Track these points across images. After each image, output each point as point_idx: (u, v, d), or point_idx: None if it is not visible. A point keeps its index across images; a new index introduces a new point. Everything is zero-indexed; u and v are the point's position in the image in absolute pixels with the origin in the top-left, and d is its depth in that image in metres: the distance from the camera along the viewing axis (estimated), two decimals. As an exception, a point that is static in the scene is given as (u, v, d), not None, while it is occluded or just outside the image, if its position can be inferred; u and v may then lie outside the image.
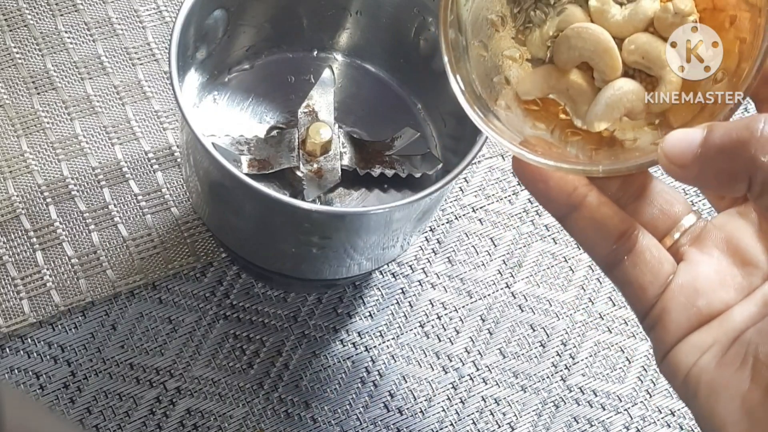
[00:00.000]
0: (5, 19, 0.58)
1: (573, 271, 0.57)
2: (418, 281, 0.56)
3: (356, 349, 0.53)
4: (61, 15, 0.59)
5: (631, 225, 0.32)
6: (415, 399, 0.53)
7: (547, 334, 0.55)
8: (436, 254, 0.56)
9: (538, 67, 0.35)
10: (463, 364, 0.54)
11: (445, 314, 0.55)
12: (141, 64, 0.58)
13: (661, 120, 0.33)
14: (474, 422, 0.53)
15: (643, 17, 0.32)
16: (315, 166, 0.50)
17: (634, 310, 0.33)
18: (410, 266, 0.56)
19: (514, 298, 0.56)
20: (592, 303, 0.57)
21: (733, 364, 0.30)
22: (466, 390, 0.53)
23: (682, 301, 0.32)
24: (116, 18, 0.59)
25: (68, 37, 0.58)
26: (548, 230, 0.58)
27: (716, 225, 0.33)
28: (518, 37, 0.36)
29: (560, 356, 0.55)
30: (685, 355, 0.31)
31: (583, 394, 0.54)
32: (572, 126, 0.35)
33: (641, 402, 0.54)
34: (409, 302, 0.55)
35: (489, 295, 0.56)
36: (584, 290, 0.57)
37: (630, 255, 0.32)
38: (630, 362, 0.55)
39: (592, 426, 0.53)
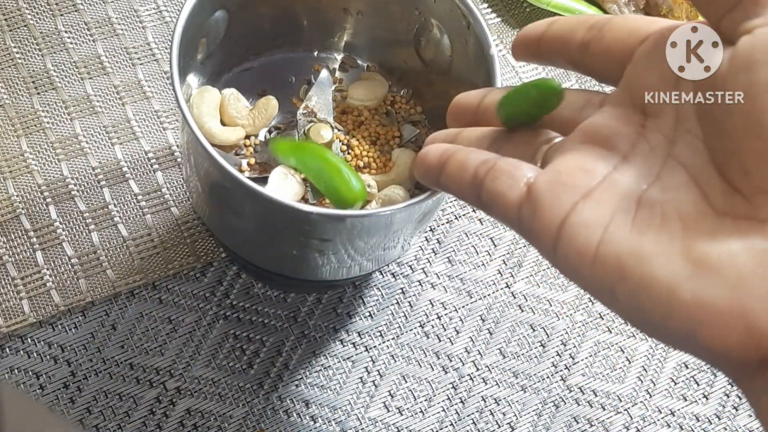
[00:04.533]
0: (5, 19, 0.58)
1: (573, 272, 0.57)
2: (418, 281, 0.56)
3: (356, 349, 0.53)
4: (61, 15, 0.59)
5: (492, 156, 0.33)
6: (415, 399, 0.53)
7: (547, 334, 0.55)
8: (436, 254, 0.56)
9: None
10: (463, 364, 0.54)
11: (445, 314, 0.55)
12: (141, 64, 0.58)
13: None
14: (474, 422, 0.53)
15: None
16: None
17: (506, 221, 0.32)
18: (410, 266, 0.56)
19: (514, 298, 0.56)
20: (592, 303, 0.57)
21: (652, 227, 0.28)
22: (466, 390, 0.53)
23: (547, 185, 0.30)
24: (116, 18, 0.59)
25: (68, 37, 0.58)
26: (548, 230, 0.58)
27: (578, 129, 0.33)
28: None
29: (560, 356, 0.55)
30: (583, 235, 0.29)
31: (583, 394, 0.54)
32: None
33: (641, 402, 0.54)
34: (409, 302, 0.55)
35: (489, 295, 0.56)
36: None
37: (489, 173, 0.32)
38: (630, 362, 0.55)
39: (592, 426, 0.53)
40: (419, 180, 0.37)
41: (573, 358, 0.55)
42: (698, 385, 0.55)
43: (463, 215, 0.58)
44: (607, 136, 0.32)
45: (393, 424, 0.52)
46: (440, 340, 0.54)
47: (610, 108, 0.33)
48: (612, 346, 0.56)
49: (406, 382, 0.53)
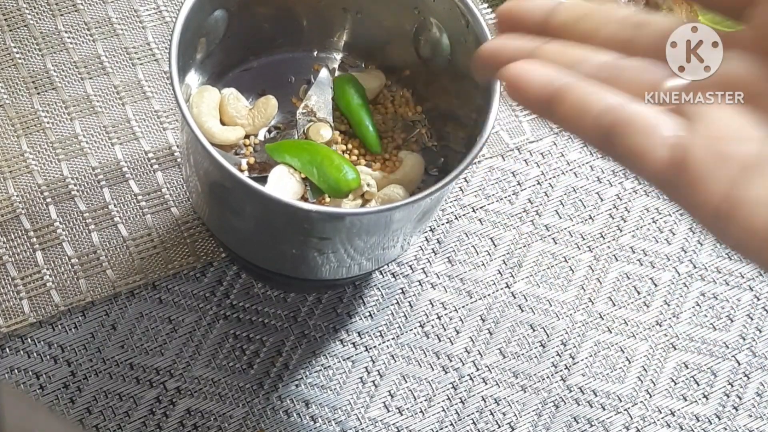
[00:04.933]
0: (5, 19, 0.58)
1: (573, 271, 0.57)
2: (418, 281, 0.56)
3: (356, 349, 0.53)
4: (61, 15, 0.59)
5: (619, 101, 0.29)
6: (415, 399, 0.53)
7: (547, 334, 0.55)
8: (436, 254, 0.56)
9: None
10: (463, 364, 0.54)
11: (445, 314, 0.55)
12: (141, 64, 0.58)
13: None
14: (474, 422, 0.53)
15: None
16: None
17: (645, 179, 0.29)
18: (410, 266, 0.56)
19: (514, 298, 0.56)
20: (592, 303, 0.57)
21: None
22: (466, 390, 0.53)
23: (706, 154, 0.28)
24: (116, 18, 0.59)
25: (68, 37, 0.58)
26: (548, 230, 0.58)
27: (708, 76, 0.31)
28: None
29: (560, 356, 0.55)
30: (760, 214, 0.27)
31: (583, 394, 0.54)
32: None
33: (641, 402, 0.54)
34: (409, 302, 0.55)
35: (489, 295, 0.56)
36: (584, 290, 0.57)
37: (620, 125, 0.29)
38: (630, 362, 0.55)
39: (592, 426, 0.53)
40: (517, 102, 0.32)
41: (573, 358, 0.55)
42: (698, 385, 0.55)
43: (463, 215, 0.58)
44: (751, 94, 0.29)
45: (393, 424, 0.52)
46: (440, 340, 0.54)
47: (739, 55, 0.30)
48: (612, 346, 0.56)
49: (406, 382, 0.53)
